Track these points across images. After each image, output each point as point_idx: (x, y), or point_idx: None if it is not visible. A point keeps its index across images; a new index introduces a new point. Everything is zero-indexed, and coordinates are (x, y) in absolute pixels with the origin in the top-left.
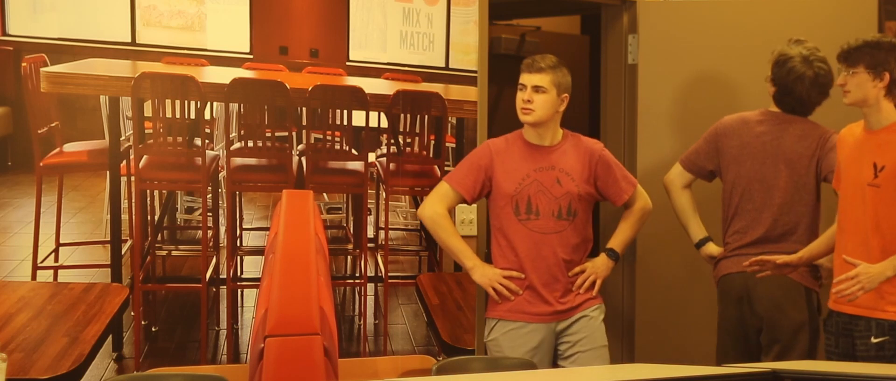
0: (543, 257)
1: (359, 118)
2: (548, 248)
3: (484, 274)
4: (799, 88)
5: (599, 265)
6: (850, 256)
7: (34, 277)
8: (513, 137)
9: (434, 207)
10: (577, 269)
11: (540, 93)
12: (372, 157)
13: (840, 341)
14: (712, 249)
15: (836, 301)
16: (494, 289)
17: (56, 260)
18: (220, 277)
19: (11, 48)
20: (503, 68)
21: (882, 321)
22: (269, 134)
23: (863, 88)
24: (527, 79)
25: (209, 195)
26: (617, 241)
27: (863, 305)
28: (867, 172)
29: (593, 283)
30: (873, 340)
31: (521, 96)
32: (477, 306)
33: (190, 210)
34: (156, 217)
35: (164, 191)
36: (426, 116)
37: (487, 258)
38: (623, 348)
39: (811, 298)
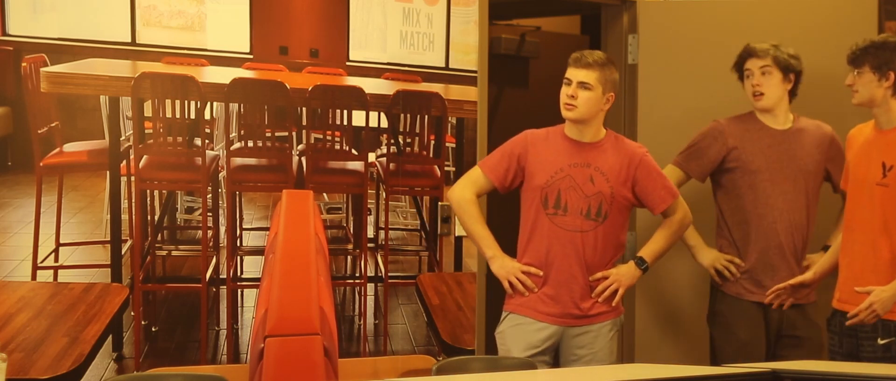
0: (566, 255)
1: (359, 118)
2: (572, 246)
3: (503, 266)
4: None
5: (624, 274)
6: (856, 256)
7: (34, 277)
8: (554, 130)
9: (463, 191)
10: (598, 274)
11: (585, 89)
12: (372, 157)
13: (844, 341)
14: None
15: (840, 300)
16: (510, 282)
17: (56, 260)
18: (220, 277)
19: (11, 48)
20: (503, 68)
21: (888, 322)
22: (269, 134)
23: (869, 89)
24: (573, 74)
25: (209, 195)
26: (648, 250)
27: None
28: (876, 172)
29: (615, 292)
30: (880, 341)
31: (565, 91)
32: (477, 305)
33: (190, 210)
34: (156, 217)
35: (164, 191)
36: (426, 116)
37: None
38: (623, 348)
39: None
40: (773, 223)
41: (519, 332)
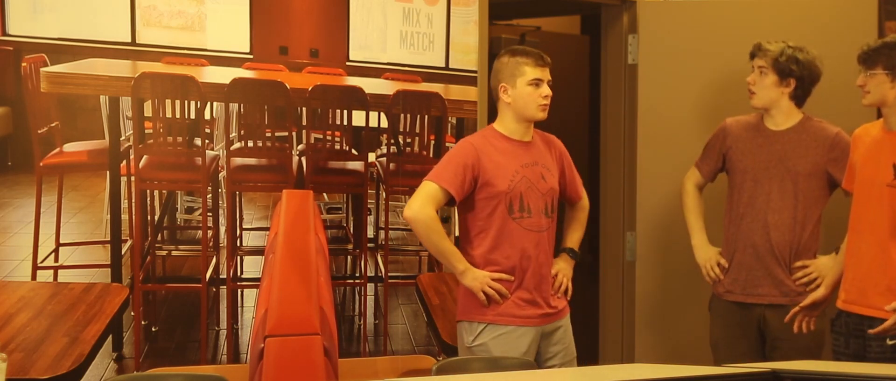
0: (535, 257)
1: (359, 118)
2: (541, 246)
3: (475, 278)
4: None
5: (566, 267)
6: (864, 258)
7: (34, 277)
8: (488, 133)
9: (424, 208)
10: (553, 270)
11: (550, 87)
12: (372, 157)
13: (850, 341)
14: None
15: (846, 301)
16: (484, 293)
17: (56, 260)
18: (220, 277)
19: (11, 48)
20: None
21: None
22: (269, 134)
23: (881, 89)
24: (544, 73)
25: (209, 195)
26: (573, 240)
27: (876, 305)
28: (886, 173)
29: (567, 286)
30: (889, 342)
31: (540, 92)
32: None
33: (190, 210)
34: (156, 217)
35: (164, 191)
36: (426, 116)
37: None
38: (623, 348)
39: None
40: (751, 223)
41: (505, 341)
